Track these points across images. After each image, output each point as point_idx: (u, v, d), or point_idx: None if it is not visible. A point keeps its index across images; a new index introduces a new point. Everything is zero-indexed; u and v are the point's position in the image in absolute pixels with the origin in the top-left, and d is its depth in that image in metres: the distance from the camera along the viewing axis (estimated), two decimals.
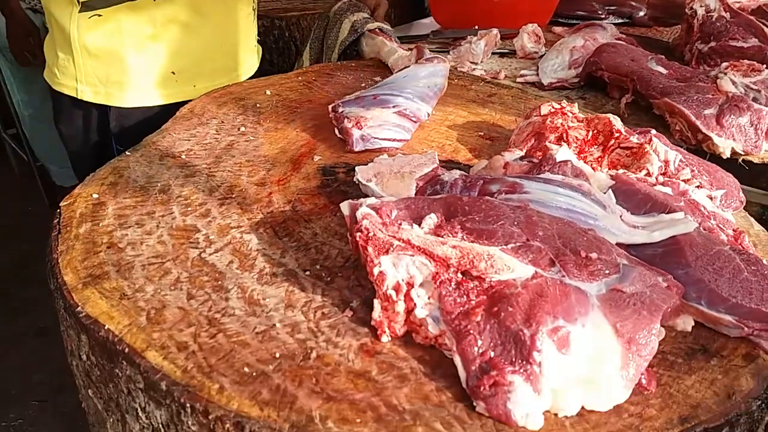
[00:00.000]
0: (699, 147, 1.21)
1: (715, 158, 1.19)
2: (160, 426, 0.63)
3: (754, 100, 1.21)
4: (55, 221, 0.80)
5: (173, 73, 1.27)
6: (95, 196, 0.86)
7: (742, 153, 1.19)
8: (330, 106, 1.12)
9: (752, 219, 0.94)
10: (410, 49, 1.35)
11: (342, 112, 1.09)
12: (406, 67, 1.24)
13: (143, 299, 0.69)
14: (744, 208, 0.95)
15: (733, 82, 1.25)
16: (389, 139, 1.05)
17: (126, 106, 1.26)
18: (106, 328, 0.65)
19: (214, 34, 1.29)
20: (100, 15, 1.18)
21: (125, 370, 0.63)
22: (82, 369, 0.72)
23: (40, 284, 2.37)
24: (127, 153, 0.97)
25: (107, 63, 1.23)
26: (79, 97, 1.26)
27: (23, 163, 3.02)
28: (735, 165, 1.19)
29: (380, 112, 1.07)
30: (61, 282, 0.71)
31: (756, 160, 1.20)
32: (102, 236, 0.78)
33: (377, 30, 1.49)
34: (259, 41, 1.49)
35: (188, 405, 0.59)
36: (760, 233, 0.90)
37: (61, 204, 0.83)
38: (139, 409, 0.64)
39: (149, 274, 0.73)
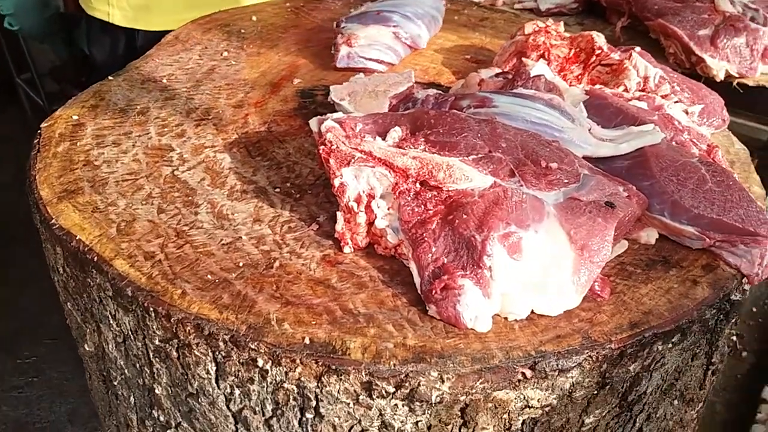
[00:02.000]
0: (693, 70, 1.18)
1: (710, 82, 1.16)
2: (129, 332, 0.66)
3: (752, 19, 1.17)
4: (36, 141, 0.82)
5: None
6: (75, 117, 0.87)
7: (737, 75, 1.16)
8: (335, 22, 1.11)
9: (734, 137, 0.92)
10: None
11: (342, 28, 1.08)
12: None
13: (114, 212, 0.72)
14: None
15: (732, 2, 1.20)
16: (376, 60, 1.05)
17: (152, 29, 1.28)
18: (77, 238, 0.67)
19: None
20: None
21: (96, 278, 0.66)
22: (61, 283, 0.76)
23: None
24: (110, 78, 0.98)
25: None
26: (110, 21, 1.29)
27: (36, 107, 3.05)
28: (730, 89, 1.16)
29: (377, 30, 1.06)
30: (37, 197, 0.73)
31: (751, 83, 1.17)
32: (79, 155, 0.80)
33: None
34: None
35: (152, 309, 0.62)
36: (740, 151, 0.89)
37: (42, 125, 0.85)
38: (110, 316, 0.67)
39: (122, 189, 0.75)
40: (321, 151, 0.71)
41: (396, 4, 1.11)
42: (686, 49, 1.16)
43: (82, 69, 3.10)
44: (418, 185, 0.67)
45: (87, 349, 0.76)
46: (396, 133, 0.73)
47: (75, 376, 1.89)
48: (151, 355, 0.65)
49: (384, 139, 0.72)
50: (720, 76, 1.15)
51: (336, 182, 0.69)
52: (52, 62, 3.16)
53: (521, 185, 0.67)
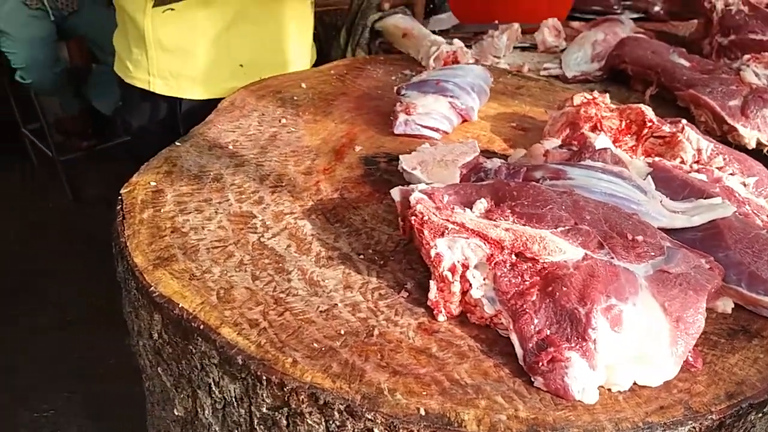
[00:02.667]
0: (724, 138, 1.23)
1: (741, 149, 1.22)
2: (233, 399, 0.67)
3: None
4: (118, 207, 0.84)
5: (241, 65, 1.31)
6: (153, 183, 0.89)
7: (767, 143, 1.22)
8: (395, 88, 1.15)
9: None
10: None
11: (403, 95, 1.12)
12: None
13: (211, 280, 0.73)
14: None
15: (756, 74, 1.27)
16: (431, 128, 1.09)
17: (196, 98, 1.31)
18: (180, 306, 0.69)
19: (278, 27, 1.34)
20: (173, 9, 1.22)
21: (200, 346, 0.67)
22: (150, 348, 0.76)
23: (64, 278, 2.43)
24: (177, 144, 1.00)
25: (179, 57, 1.27)
26: (151, 90, 1.31)
27: (43, 157, 3.05)
28: (761, 155, 1.22)
29: (435, 99, 1.10)
30: (132, 264, 0.74)
31: None
32: (165, 221, 0.82)
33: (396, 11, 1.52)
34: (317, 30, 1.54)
35: (264, 378, 0.63)
36: None
37: (122, 191, 0.87)
38: (212, 383, 0.68)
39: (214, 256, 0.77)
40: (413, 222, 0.73)
41: (453, 74, 1.17)
42: (718, 118, 1.22)
43: (88, 121, 3.13)
44: (513, 257, 0.70)
45: (176, 413, 0.76)
46: (482, 204, 0.76)
47: (93, 429, 1.86)
48: (255, 423, 0.66)
49: (471, 210, 0.75)
50: (752, 144, 1.21)
51: (432, 253, 0.71)
52: (56, 114, 3.19)
53: (612, 257, 0.70)
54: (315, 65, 1.42)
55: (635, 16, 2.11)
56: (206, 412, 0.71)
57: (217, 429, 0.71)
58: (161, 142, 1.01)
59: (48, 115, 2.96)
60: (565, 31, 1.83)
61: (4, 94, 2.95)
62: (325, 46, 2.03)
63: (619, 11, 2.11)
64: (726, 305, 0.75)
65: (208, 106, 1.20)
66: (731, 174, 0.92)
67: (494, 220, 0.73)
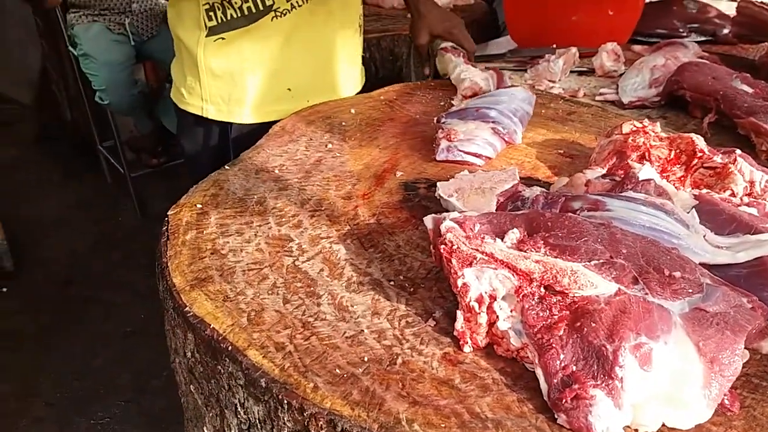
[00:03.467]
0: None
1: None
2: (257, 421, 0.69)
3: None
4: (164, 228, 0.88)
5: (289, 89, 1.35)
6: (199, 206, 0.93)
7: None
8: (435, 118, 1.17)
9: None
10: (486, 69, 1.39)
11: (443, 123, 1.13)
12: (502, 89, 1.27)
13: (244, 302, 0.75)
14: None
15: None
16: (474, 154, 1.09)
17: (246, 122, 1.36)
18: (211, 327, 0.71)
19: (325, 51, 1.38)
20: (223, 38, 1.28)
21: (227, 367, 0.69)
22: (185, 366, 0.79)
23: (127, 290, 2.55)
24: (226, 167, 1.04)
25: (230, 83, 1.32)
26: (204, 116, 1.37)
27: (115, 174, 3.21)
28: None
29: (476, 125, 1.11)
30: (170, 284, 0.77)
31: None
32: (206, 243, 0.85)
33: (447, 48, 1.53)
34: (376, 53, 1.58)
35: (285, 402, 0.64)
36: None
37: (169, 213, 0.91)
38: (238, 404, 0.70)
39: (249, 278, 0.79)
40: (442, 251, 0.73)
41: (494, 101, 1.17)
42: None
43: (159, 140, 3.29)
44: (542, 289, 0.69)
45: (205, 431, 0.78)
46: (514, 234, 0.75)
47: None
48: None
49: (502, 240, 0.75)
50: None
51: (459, 282, 0.71)
52: (130, 132, 3.36)
53: (646, 293, 0.68)
54: (363, 90, 1.44)
55: (702, 39, 2.05)
56: (233, 431, 0.72)
57: None
58: (213, 165, 1.05)
59: (122, 133, 3.12)
60: (625, 56, 1.80)
61: (85, 113, 3.13)
62: (381, 70, 2.06)
63: (684, 34, 2.05)
64: None
65: (259, 130, 1.24)
66: None
67: (525, 251, 0.72)
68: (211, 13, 1.27)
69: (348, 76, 1.45)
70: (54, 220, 3.08)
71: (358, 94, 1.48)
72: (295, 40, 1.32)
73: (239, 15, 1.26)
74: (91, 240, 2.93)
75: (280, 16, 1.28)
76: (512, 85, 1.31)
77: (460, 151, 1.08)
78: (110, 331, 2.37)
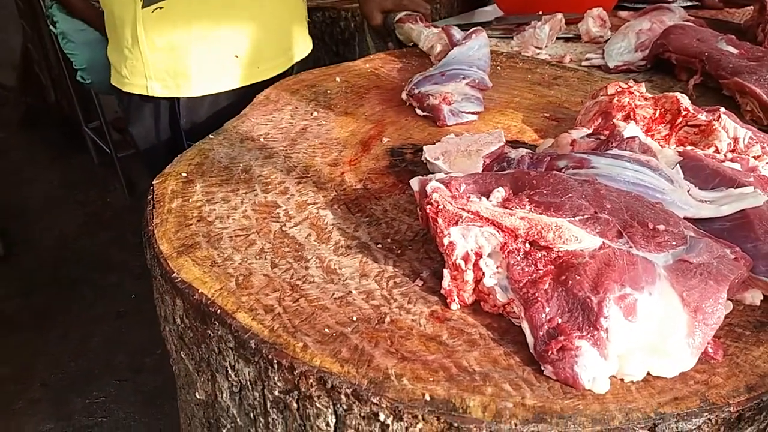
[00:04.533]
0: None
1: None
2: (248, 383, 0.69)
3: None
4: (149, 197, 0.87)
5: (236, 57, 1.31)
6: (184, 174, 0.93)
7: None
8: (404, 92, 1.16)
9: None
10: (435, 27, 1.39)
11: (420, 92, 1.13)
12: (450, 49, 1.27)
13: (232, 267, 0.75)
14: None
15: None
16: (471, 112, 1.11)
17: (195, 95, 1.31)
18: (199, 292, 0.71)
19: (270, 14, 1.34)
20: (161, 8, 1.23)
21: (217, 330, 0.69)
22: (175, 333, 0.79)
23: (119, 270, 2.54)
24: (211, 136, 1.04)
25: (173, 55, 1.27)
26: (149, 94, 1.31)
27: (103, 155, 3.19)
28: None
29: (455, 85, 1.12)
30: (157, 251, 0.77)
31: None
32: (192, 210, 0.85)
33: (403, 18, 1.52)
34: (310, 23, 1.55)
35: (275, 361, 0.64)
36: None
37: (154, 182, 0.90)
38: (228, 367, 0.70)
39: (236, 244, 0.79)
40: (428, 211, 0.73)
41: (453, 63, 1.18)
42: (765, 107, 1.17)
43: None
44: (527, 245, 0.69)
45: (197, 397, 0.78)
46: (499, 193, 0.75)
47: (143, 416, 1.94)
48: (269, 406, 0.68)
49: (488, 199, 0.75)
50: None
51: (445, 241, 0.71)
52: (115, 113, 3.32)
53: (630, 247, 0.68)
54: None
55: (688, 4, 2.04)
56: (224, 395, 0.73)
57: (234, 412, 0.73)
58: (168, 145, 1.02)
59: (107, 113, 3.09)
60: (612, 21, 1.79)
61: (69, 94, 3.10)
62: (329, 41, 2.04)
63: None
64: (755, 297, 0.72)
65: (208, 102, 1.21)
66: None
67: (510, 209, 0.73)
68: None
69: (295, 38, 1.42)
70: (42, 202, 3.06)
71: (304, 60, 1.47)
72: (238, 4, 1.28)
73: None
74: (80, 221, 2.92)
75: None
76: (468, 33, 1.29)
77: (462, 111, 1.10)
78: (103, 312, 2.37)
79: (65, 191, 3.14)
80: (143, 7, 1.24)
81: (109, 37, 1.37)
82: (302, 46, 1.47)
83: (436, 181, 0.77)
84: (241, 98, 1.21)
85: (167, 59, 1.28)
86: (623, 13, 1.91)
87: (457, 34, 1.31)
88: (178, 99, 1.33)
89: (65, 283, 2.53)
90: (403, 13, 1.52)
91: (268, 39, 1.36)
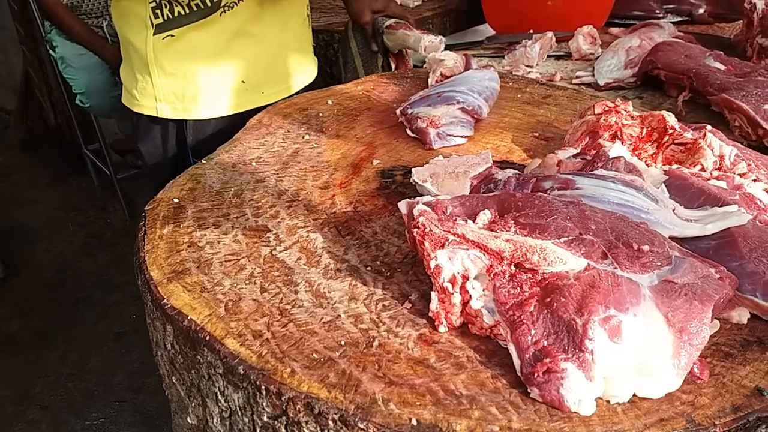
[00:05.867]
0: (760, 143, 1.19)
1: None
2: (237, 408, 0.69)
3: None
4: (141, 223, 0.88)
5: (243, 82, 1.35)
6: (176, 200, 0.94)
7: None
8: (398, 110, 1.18)
9: None
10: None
11: (411, 113, 1.14)
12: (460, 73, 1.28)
13: (221, 292, 0.76)
14: None
15: None
16: (459, 136, 1.12)
17: (202, 118, 1.35)
18: (189, 318, 0.72)
19: (276, 42, 1.37)
20: (173, 36, 1.27)
21: (206, 356, 0.70)
22: (166, 358, 0.79)
23: (119, 291, 2.55)
24: (203, 162, 1.05)
25: (183, 80, 1.31)
26: (158, 116, 1.35)
27: (103, 177, 3.21)
28: None
29: (447, 108, 1.13)
30: (148, 277, 0.78)
31: None
32: (183, 236, 0.86)
33: (393, 24, 1.54)
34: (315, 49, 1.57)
35: (263, 387, 0.65)
36: None
37: (146, 208, 0.91)
38: (218, 392, 0.71)
39: (226, 269, 0.80)
40: (415, 234, 0.74)
41: (453, 85, 1.19)
42: (752, 122, 1.18)
43: None
44: (512, 267, 0.70)
45: (189, 421, 0.79)
46: (485, 215, 0.76)
47: None
48: (258, 431, 0.68)
49: (474, 222, 0.76)
50: None
51: (431, 264, 0.72)
52: (115, 134, 3.35)
53: (615, 268, 0.69)
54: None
55: (678, 19, 2.06)
56: (215, 420, 0.73)
57: None
58: (174, 167, 1.04)
59: (107, 135, 3.11)
60: (602, 38, 1.81)
61: (69, 117, 3.12)
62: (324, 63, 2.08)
63: (661, 15, 2.06)
64: (741, 316, 0.73)
65: (214, 123, 1.23)
66: (755, 180, 0.89)
67: (496, 231, 0.73)
68: (158, 11, 1.25)
69: (300, 65, 1.45)
70: (43, 224, 3.08)
71: (310, 85, 1.49)
72: (246, 32, 1.31)
73: (187, 12, 1.25)
74: (80, 242, 2.93)
75: (228, 10, 1.27)
76: (483, 66, 1.32)
77: (449, 135, 1.11)
78: (103, 332, 2.38)
79: (66, 213, 3.16)
80: (155, 34, 1.28)
81: (123, 58, 1.41)
82: (307, 71, 1.51)
83: (423, 204, 0.78)
84: (247, 117, 1.23)
85: (176, 84, 1.32)
86: (614, 30, 1.93)
87: (475, 64, 1.34)
88: (185, 121, 1.36)
89: (65, 304, 2.54)
90: (393, 20, 1.55)
91: (273, 66, 1.40)
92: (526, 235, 0.72)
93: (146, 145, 1.43)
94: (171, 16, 1.25)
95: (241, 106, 1.34)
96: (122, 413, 2.03)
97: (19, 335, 2.39)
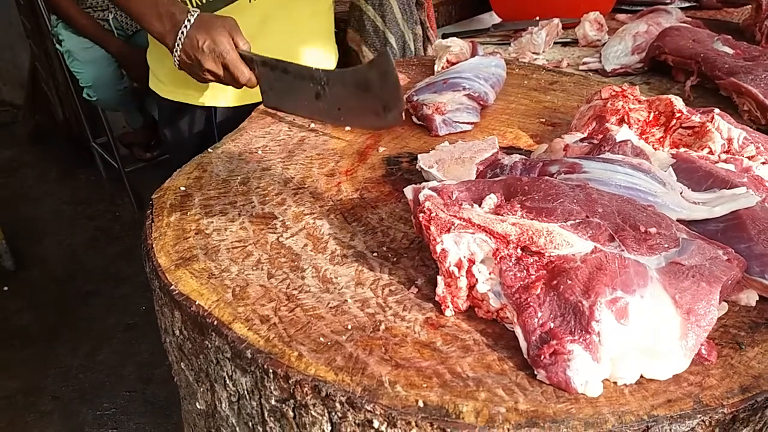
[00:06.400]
0: None
1: None
2: (245, 392, 0.70)
3: None
4: (148, 211, 0.89)
5: None
6: (183, 188, 0.94)
7: None
8: (404, 97, 1.17)
9: None
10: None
11: (417, 100, 1.14)
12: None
13: (229, 278, 0.76)
14: None
15: None
16: (465, 122, 1.12)
17: (231, 105, 1.35)
18: (196, 303, 0.72)
19: (305, 28, 1.37)
20: None
21: (214, 341, 0.70)
22: (175, 344, 0.80)
23: (128, 283, 2.56)
24: (209, 150, 1.05)
25: None
26: (187, 102, 1.35)
27: (111, 170, 3.22)
28: None
29: (453, 95, 1.13)
30: (156, 264, 0.78)
31: None
32: (190, 223, 0.86)
33: None
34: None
35: (271, 371, 0.65)
36: None
37: (153, 196, 0.92)
38: (226, 377, 0.71)
39: (233, 256, 0.80)
40: (421, 219, 0.74)
41: (459, 72, 1.18)
42: (761, 106, 1.17)
43: (151, 133, 3.29)
44: (519, 251, 0.70)
45: (198, 407, 0.79)
46: (491, 200, 0.76)
47: (153, 426, 1.95)
48: (266, 415, 0.69)
49: (480, 206, 0.76)
50: None
51: (437, 248, 0.72)
52: (123, 128, 3.36)
53: (622, 250, 0.69)
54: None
55: (686, 5, 2.04)
56: (223, 405, 0.74)
57: (233, 421, 0.74)
58: (197, 149, 1.05)
59: (115, 128, 3.12)
60: (609, 24, 1.80)
61: (77, 110, 3.13)
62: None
63: (668, 1, 2.04)
64: (750, 298, 0.73)
65: (242, 112, 1.24)
66: (764, 163, 0.88)
67: (502, 215, 0.73)
68: None
69: (324, 50, 1.45)
70: (52, 218, 3.09)
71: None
72: (272, 19, 1.31)
73: None
74: (89, 235, 2.95)
75: None
76: (490, 52, 1.31)
77: (456, 122, 1.10)
78: (113, 324, 2.39)
79: (74, 206, 3.17)
80: None
81: (150, 43, 1.41)
82: (329, 56, 1.51)
83: (429, 189, 0.78)
84: None
85: None
86: (621, 16, 1.92)
87: (481, 51, 1.33)
88: (214, 108, 1.36)
89: (75, 297, 2.55)
90: None
91: (299, 52, 1.39)
92: (532, 219, 0.72)
93: (172, 132, 1.44)
94: (201, 2, 1.25)
95: None
96: (133, 403, 2.04)
97: (29, 328, 2.41)
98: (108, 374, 2.16)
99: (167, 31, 1.10)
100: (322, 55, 1.45)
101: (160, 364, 2.15)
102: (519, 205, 0.74)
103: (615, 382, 0.63)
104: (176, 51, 1.10)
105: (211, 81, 1.13)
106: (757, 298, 0.73)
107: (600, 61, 1.54)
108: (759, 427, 0.63)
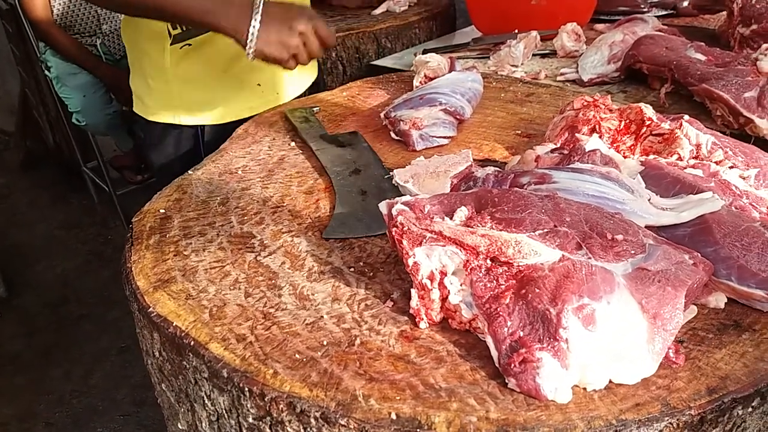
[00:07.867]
0: (742, 131, 1.20)
1: (761, 141, 1.19)
2: (224, 411, 0.71)
3: None
4: (128, 235, 0.90)
5: (259, 85, 1.37)
6: (162, 211, 0.95)
7: None
8: (382, 113, 1.19)
9: None
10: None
11: (395, 116, 1.16)
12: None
13: (206, 299, 0.77)
14: None
15: None
16: (442, 137, 1.14)
17: (221, 122, 1.36)
18: (174, 325, 0.73)
19: None
20: (190, 45, 1.29)
21: (192, 361, 0.71)
22: (156, 366, 0.81)
23: (120, 306, 2.56)
24: (189, 172, 1.06)
25: (201, 86, 1.33)
26: (177, 123, 1.36)
27: (102, 194, 3.23)
28: None
29: (429, 110, 1.15)
30: (135, 287, 0.79)
31: None
32: (169, 245, 0.87)
33: None
34: None
35: (246, 389, 0.66)
36: None
37: (133, 220, 0.93)
38: (205, 397, 0.72)
39: (211, 276, 0.81)
40: (393, 233, 0.76)
41: (435, 88, 1.20)
42: (734, 111, 1.19)
43: (142, 157, 3.30)
44: (488, 261, 0.71)
45: (180, 427, 0.80)
46: (462, 212, 0.77)
47: None
48: None
49: (452, 219, 0.77)
50: None
51: (410, 261, 0.73)
52: (114, 151, 3.38)
53: (589, 258, 0.70)
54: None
55: (663, 13, 2.07)
56: (204, 424, 0.75)
57: None
58: (185, 170, 1.06)
59: (105, 152, 3.14)
60: (587, 35, 1.82)
61: (67, 136, 3.15)
62: (349, 68, 2.09)
63: (645, 10, 2.07)
64: (718, 300, 0.74)
65: (230, 130, 1.25)
66: (731, 167, 0.90)
67: (472, 227, 0.75)
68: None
69: (307, 65, 1.47)
70: (44, 243, 3.10)
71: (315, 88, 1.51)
72: None
73: None
74: (82, 260, 2.95)
75: None
76: (467, 68, 1.33)
77: (432, 136, 1.12)
78: (106, 348, 2.39)
79: (66, 231, 3.18)
80: (172, 44, 1.29)
81: (131, 68, 1.42)
82: (313, 70, 1.54)
83: (402, 203, 0.79)
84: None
85: (194, 90, 1.34)
86: (599, 26, 1.94)
87: (459, 66, 1.35)
88: (203, 126, 1.38)
89: (67, 321, 2.55)
90: None
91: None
92: (501, 230, 0.73)
93: (157, 154, 1.44)
94: (188, 27, 1.27)
95: (257, 108, 1.35)
96: (127, 427, 2.04)
97: (22, 354, 2.40)
98: (101, 398, 2.16)
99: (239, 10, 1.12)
100: (306, 67, 1.46)
101: (151, 387, 2.15)
102: (489, 217, 0.76)
103: (584, 388, 0.64)
104: (254, 21, 1.11)
105: (289, 55, 1.15)
106: (726, 301, 0.74)
107: (577, 72, 1.57)
108: (728, 428, 0.64)
